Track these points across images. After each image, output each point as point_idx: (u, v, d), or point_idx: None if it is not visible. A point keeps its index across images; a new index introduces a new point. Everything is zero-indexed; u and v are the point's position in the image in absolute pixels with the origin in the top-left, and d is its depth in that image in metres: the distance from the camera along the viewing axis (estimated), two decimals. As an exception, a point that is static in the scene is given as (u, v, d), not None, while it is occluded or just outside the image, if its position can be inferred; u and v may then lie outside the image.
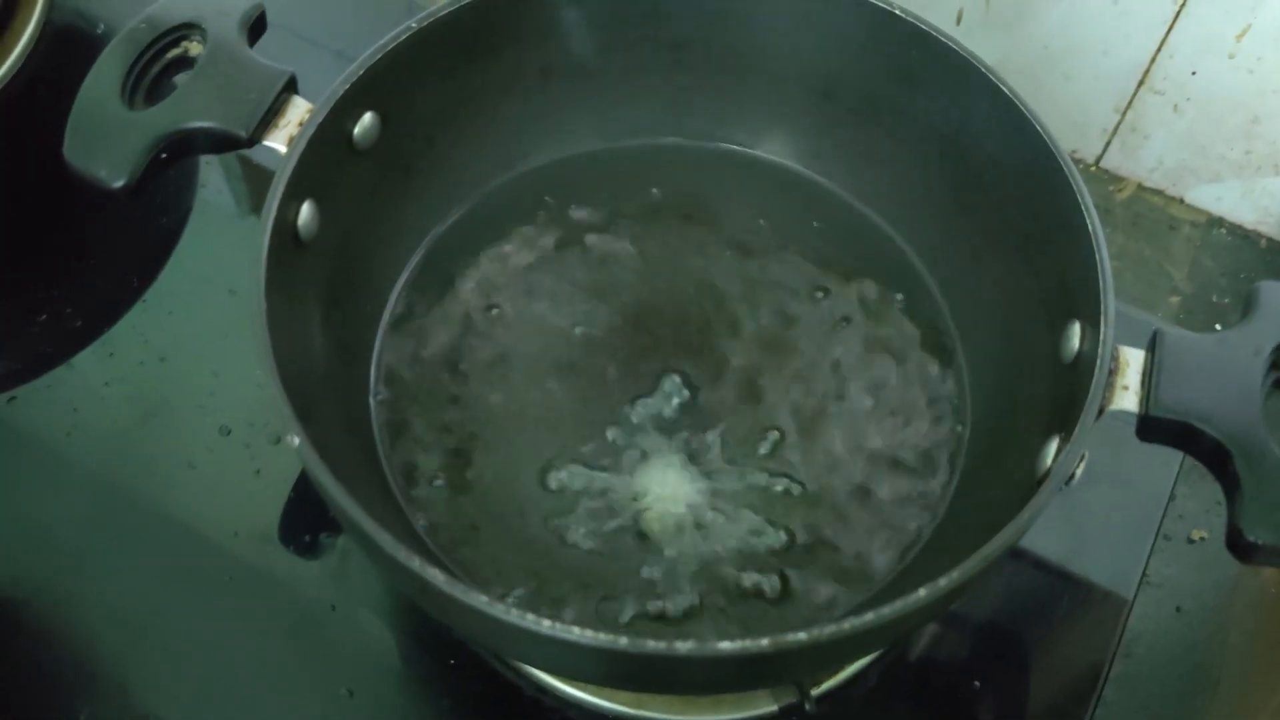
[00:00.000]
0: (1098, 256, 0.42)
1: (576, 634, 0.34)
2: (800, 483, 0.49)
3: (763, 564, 0.46)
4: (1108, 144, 0.71)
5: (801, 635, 0.34)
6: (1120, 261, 0.68)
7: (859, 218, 0.56)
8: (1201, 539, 0.57)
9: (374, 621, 0.51)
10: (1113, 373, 0.40)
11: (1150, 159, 0.70)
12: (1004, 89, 0.47)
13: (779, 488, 0.49)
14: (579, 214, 0.56)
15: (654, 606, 0.45)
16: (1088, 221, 0.42)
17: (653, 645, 0.34)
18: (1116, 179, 0.72)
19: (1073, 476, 0.39)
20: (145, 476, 0.55)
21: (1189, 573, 0.56)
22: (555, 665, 0.41)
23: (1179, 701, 0.53)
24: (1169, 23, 0.64)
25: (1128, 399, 0.40)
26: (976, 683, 0.50)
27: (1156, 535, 0.55)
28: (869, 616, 0.34)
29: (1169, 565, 0.56)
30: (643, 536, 0.47)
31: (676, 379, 0.51)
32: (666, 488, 0.48)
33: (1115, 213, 0.71)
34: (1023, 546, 0.52)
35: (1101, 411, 0.40)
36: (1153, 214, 0.71)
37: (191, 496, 0.54)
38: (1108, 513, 0.54)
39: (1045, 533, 0.53)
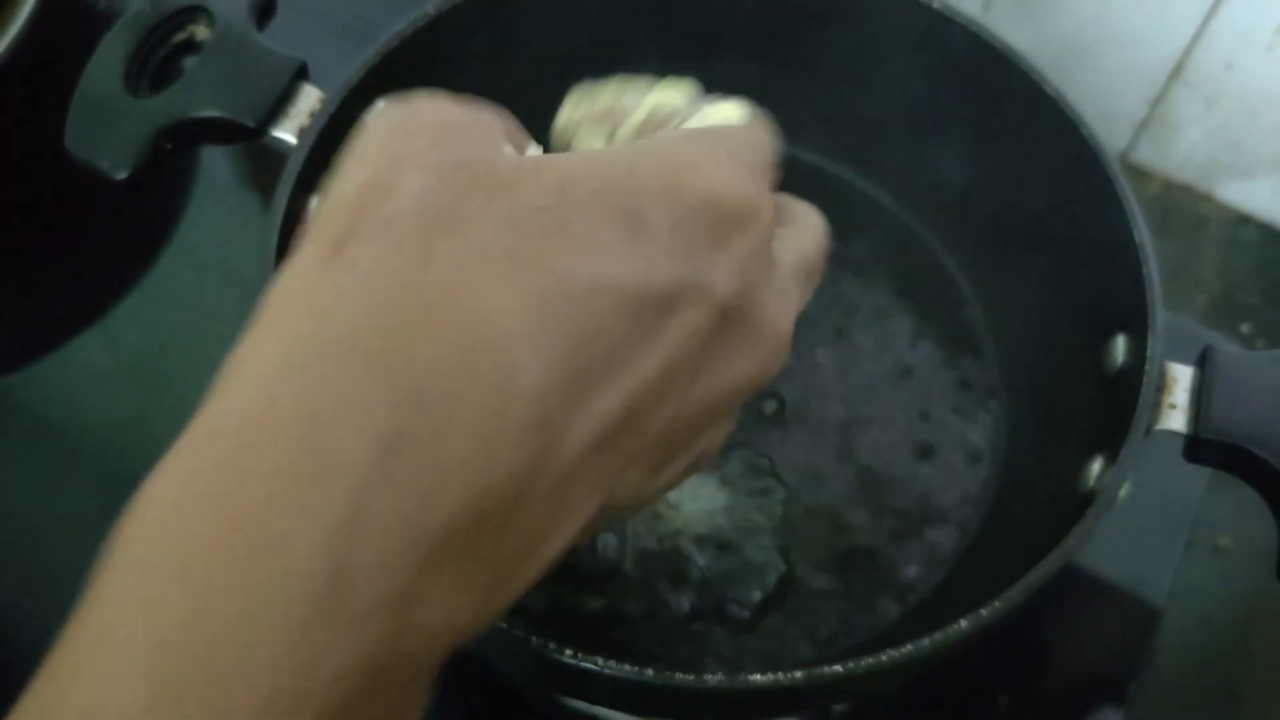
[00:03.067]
0: (1146, 269, 0.40)
1: (600, 665, 0.32)
2: (831, 497, 0.47)
3: (801, 575, 0.45)
4: (1137, 137, 0.69)
5: (837, 668, 0.32)
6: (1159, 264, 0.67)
7: (885, 215, 0.54)
8: (1228, 547, 0.56)
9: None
10: (1160, 390, 0.39)
11: (1180, 153, 0.68)
12: (1047, 86, 0.45)
13: (813, 504, 0.47)
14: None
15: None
16: (1135, 231, 0.41)
17: (680, 678, 0.32)
18: (1145, 173, 0.70)
19: (1117, 498, 0.38)
20: (144, 464, 0.53)
21: (1214, 582, 0.55)
22: (574, 692, 0.39)
23: (1203, 715, 0.52)
24: (1206, 14, 0.62)
25: (1175, 418, 0.39)
26: (1000, 694, 0.49)
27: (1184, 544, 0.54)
28: (907, 648, 0.33)
29: (1195, 573, 0.54)
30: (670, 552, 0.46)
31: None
32: (698, 502, 0.47)
33: (1143, 207, 0.69)
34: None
35: (1148, 431, 0.38)
36: (1181, 210, 0.69)
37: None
38: (1137, 519, 0.53)
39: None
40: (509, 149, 0.26)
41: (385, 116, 0.26)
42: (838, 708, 0.46)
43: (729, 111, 0.32)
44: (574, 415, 0.22)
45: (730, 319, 0.25)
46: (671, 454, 0.26)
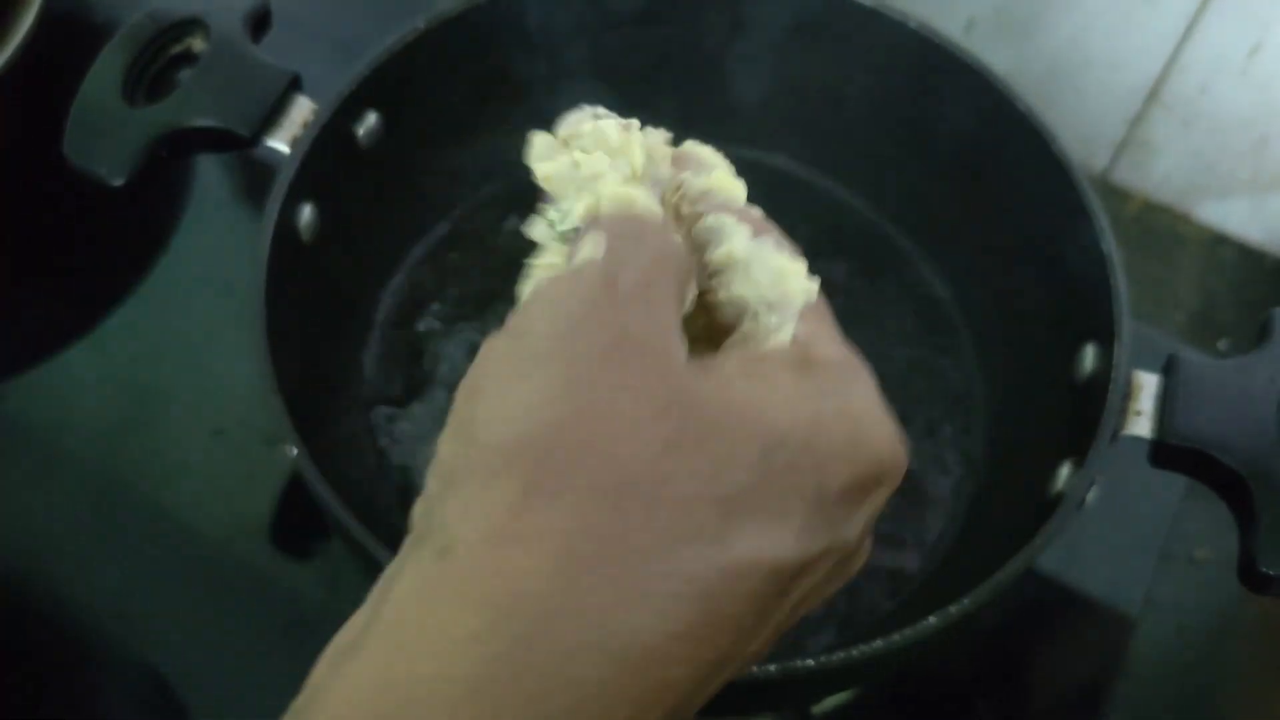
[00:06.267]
0: (1113, 280, 0.41)
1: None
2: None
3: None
4: (1116, 158, 0.70)
5: (810, 662, 0.33)
6: (1126, 277, 0.68)
7: (869, 226, 0.55)
8: (1205, 559, 0.56)
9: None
10: (1126, 397, 0.40)
11: (1158, 174, 0.70)
12: (1019, 104, 0.46)
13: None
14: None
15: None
16: (1102, 244, 0.42)
17: (657, 670, 0.33)
18: (1124, 193, 0.71)
19: (1083, 502, 0.39)
20: (136, 474, 0.54)
21: (1190, 593, 0.55)
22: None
23: (1180, 724, 0.53)
24: (1180, 39, 0.63)
25: (1141, 424, 0.40)
26: (978, 701, 0.50)
27: (1159, 555, 0.55)
28: (877, 644, 0.34)
29: (1170, 585, 0.55)
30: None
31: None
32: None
33: (1122, 227, 0.70)
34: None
35: (1115, 437, 0.39)
36: (1160, 229, 0.70)
37: (183, 496, 0.53)
38: (1111, 531, 0.54)
39: (1048, 551, 0.53)
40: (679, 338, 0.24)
41: (539, 311, 0.24)
42: (817, 708, 0.46)
43: (725, 178, 0.31)
44: (701, 693, 0.23)
45: (851, 568, 0.26)
46: None
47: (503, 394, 0.23)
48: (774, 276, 0.27)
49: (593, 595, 0.21)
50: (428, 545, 0.23)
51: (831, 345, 0.27)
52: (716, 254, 0.27)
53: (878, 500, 0.26)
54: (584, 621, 0.21)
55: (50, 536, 0.52)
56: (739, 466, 0.23)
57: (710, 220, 0.28)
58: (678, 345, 0.24)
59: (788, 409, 0.24)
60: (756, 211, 0.29)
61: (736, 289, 0.27)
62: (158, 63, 0.44)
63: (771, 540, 0.23)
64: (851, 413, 0.25)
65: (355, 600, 0.50)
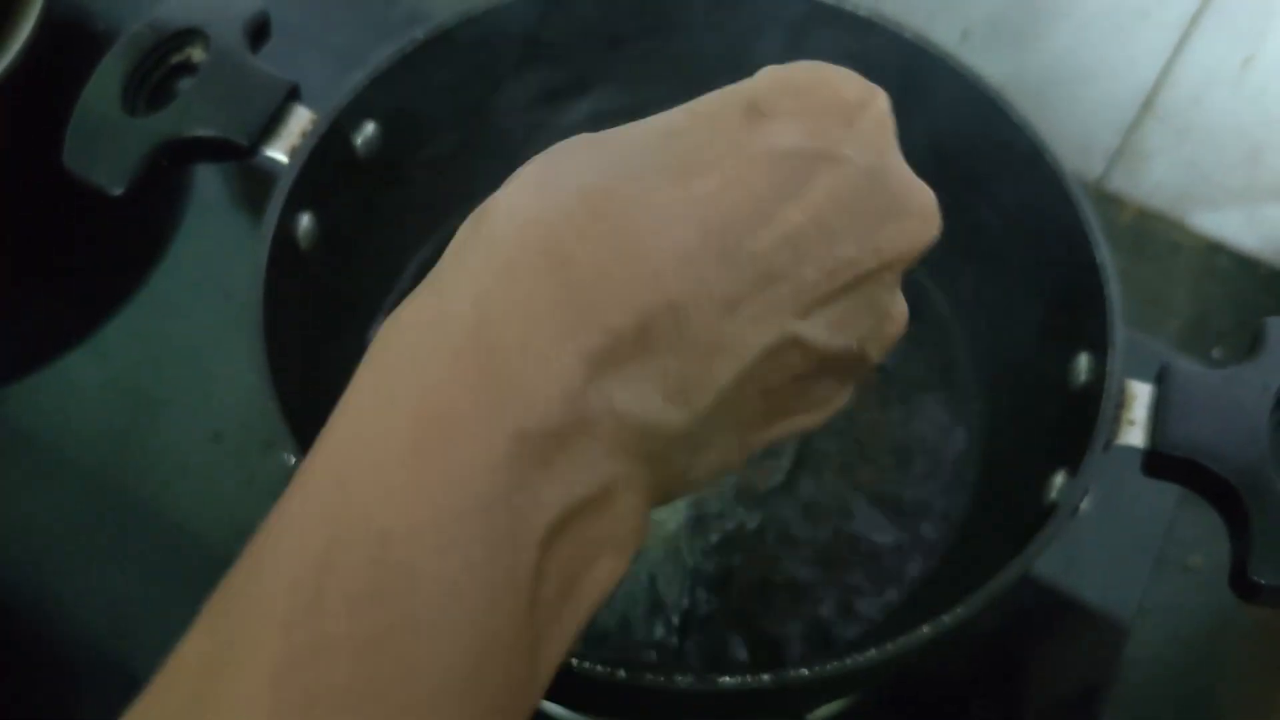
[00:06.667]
0: (1106, 289, 0.41)
1: (574, 664, 0.33)
2: (804, 506, 0.48)
3: (774, 585, 0.46)
4: (1110, 167, 0.71)
5: (804, 671, 0.33)
6: (1122, 284, 0.68)
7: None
8: (1198, 566, 0.57)
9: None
10: (1120, 407, 0.40)
11: (1152, 183, 0.70)
12: (1012, 114, 0.47)
13: (783, 511, 0.48)
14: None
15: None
16: (1096, 254, 0.42)
17: (650, 678, 0.33)
18: (1119, 201, 0.72)
19: (1077, 510, 0.39)
20: (135, 479, 0.54)
21: (1185, 599, 0.56)
22: (551, 695, 0.40)
23: (1175, 731, 0.53)
24: (1173, 49, 0.63)
25: (1134, 434, 0.40)
26: (974, 706, 0.50)
27: (1154, 562, 0.55)
28: (871, 653, 0.34)
29: (1166, 592, 0.55)
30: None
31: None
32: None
33: (1117, 235, 0.70)
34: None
35: (1108, 446, 0.40)
36: (1154, 237, 0.71)
37: (182, 501, 0.53)
38: (1106, 538, 0.54)
39: (1044, 557, 0.53)
40: None
41: None
42: (811, 717, 0.47)
43: None
44: (725, 263, 0.26)
45: (870, 186, 0.28)
46: (829, 324, 0.28)
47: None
48: None
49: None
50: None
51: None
52: None
53: (868, 124, 0.29)
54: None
55: (49, 541, 0.52)
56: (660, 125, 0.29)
57: None
58: None
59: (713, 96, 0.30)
60: None
61: None
62: (158, 72, 0.45)
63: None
64: (785, 72, 0.29)
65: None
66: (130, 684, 0.50)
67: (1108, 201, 0.71)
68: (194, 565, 0.52)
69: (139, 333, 0.58)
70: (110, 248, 0.61)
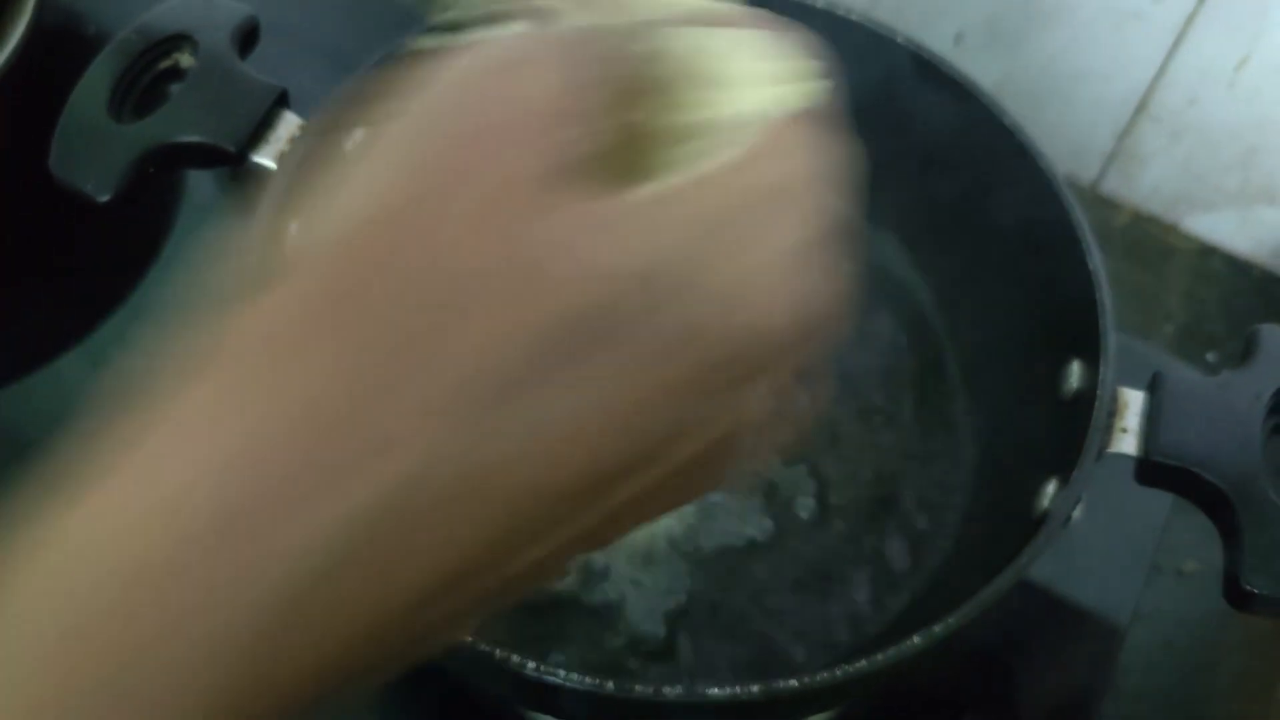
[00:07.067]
0: (1099, 296, 0.41)
1: (562, 677, 0.33)
2: (799, 513, 0.48)
3: (767, 595, 0.46)
4: (1105, 169, 0.71)
5: (793, 682, 0.33)
6: (1115, 287, 0.67)
7: (862, 243, 0.55)
8: (1193, 572, 0.57)
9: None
10: (1112, 415, 0.40)
11: (1147, 186, 0.70)
12: (1005, 119, 0.47)
13: (776, 519, 0.48)
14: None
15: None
16: (1089, 260, 0.42)
17: (640, 691, 0.33)
18: (1113, 204, 0.71)
19: (1069, 519, 0.39)
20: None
21: (1179, 606, 0.55)
22: (539, 705, 0.40)
23: (1167, 737, 0.53)
24: (1168, 51, 0.63)
25: (1127, 442, 0.40)
26: (968, 713, 0.50)
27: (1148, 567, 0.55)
28: (862, 664, 0.34)
29: (1159, 597, 0.55)
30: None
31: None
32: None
33: (1111, 238, 0.70)
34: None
35: (1100, 454, 0.39)
36: (1148, 240, 0.71)
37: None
38: (1101, 543, 0.54)
39: (1040, 562, 0.53)
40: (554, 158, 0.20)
41: (406, 115, 0.20)
42: (803, 725, 0.46)
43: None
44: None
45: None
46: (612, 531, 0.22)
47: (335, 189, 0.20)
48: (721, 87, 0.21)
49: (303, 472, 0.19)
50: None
51: (773, 168, 0.21)
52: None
53: (763, 390, 0.21)
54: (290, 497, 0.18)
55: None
56: (579, 299, 0.19)
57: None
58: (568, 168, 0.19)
59: (650, 244, 0.19)
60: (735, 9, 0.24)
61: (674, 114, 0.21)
62: (145, 77, 0.44)
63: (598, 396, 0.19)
64: (739, 267, 0.20)
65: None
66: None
67: (1102, 205, 0.71)
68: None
69: (132, 336, 0.58)
70: (103, 254, 0.61)
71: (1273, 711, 0.54)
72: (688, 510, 0.48)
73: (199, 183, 0.63)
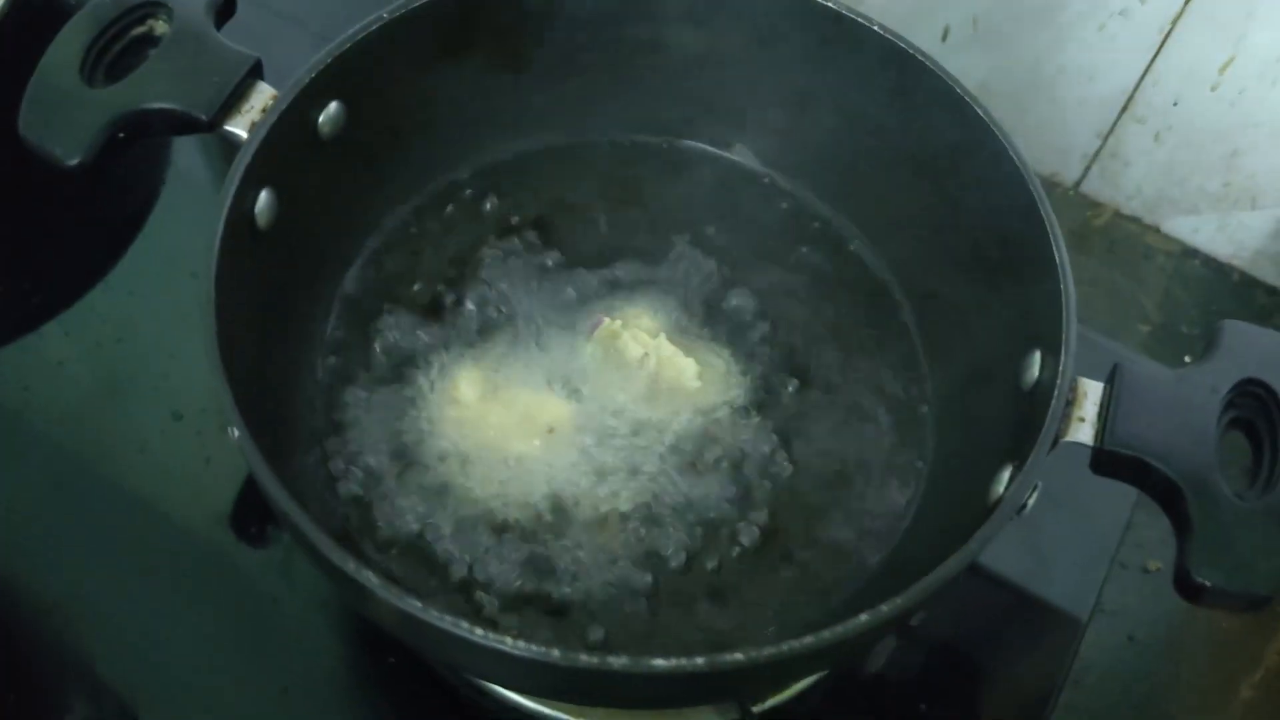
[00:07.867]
0: (1063, 287, 0.41)
1: (509, 645, 0.33)
2: (763, 491, 0.48)
3: (724, 567, 0.46)
4: (1088, 169, 0.71)
5: (738, 655, 0.33)
6: (1093, 288, 0.68)
7: (825, 226, 0.55)
8: (1157, 569, 0.57)
9: (314, 618, 0.50)
10: (1070, 404, 0.40)
11: (1129, 186, 0.70)
12: (979, 111, 0.47)
13: (742, 498, 0.48)
14: (535, 207, 0.55)
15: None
16: (1055, 252, 0.42)
17: (585, 660, 0.33)
18: (1095, 204, 0.72)
19: (1024, 506, 0.39)
20: (98, 455, 0.54)
21: (1143, 602, 0.56)
22: (488, 674, 0.40)
23: (1125, 731, 0.53)
24: (1154, 52, 0.63)
25: (1083, 431, 0.40)
26: (923, 705, 0.50)
27: (1112, 563, 0.55)
28: (808, 639, 0.34)
29: (1124, 594, 0.55)
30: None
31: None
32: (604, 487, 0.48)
33: (1091, 238, 0.70)
34: (980, 563, 0.52)
35: (1056, 442, 0.39)
36: (1128, 241, 0.71)
37: (143, 479, 0.53)
38: (1065, 537, 0.54)
39: (1002, 554, 0.53)
40: None
41: None
42: (758, 709, 0.47)
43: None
44: None
45: None
46: None
47: None
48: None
49: None
50: None
51: None
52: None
53: None
54: None
55: (11, 514, 0.52)
56: None
57: None
58: None
59: None
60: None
61: None
62: (118, 44, 0.45)
63: None
64: None
65: (308, 588, 0.51)
66: (85, 656, 0.50)
67: (1084, 205, 0.71)
68: (152, 540, 0.52)
69: (111, 310, 0.58)
70: (83, 226, 0.61)
71: (1234, 708, 0.54)
72: (653, 490, 0.48)
73: (183, 158, 0.63)
